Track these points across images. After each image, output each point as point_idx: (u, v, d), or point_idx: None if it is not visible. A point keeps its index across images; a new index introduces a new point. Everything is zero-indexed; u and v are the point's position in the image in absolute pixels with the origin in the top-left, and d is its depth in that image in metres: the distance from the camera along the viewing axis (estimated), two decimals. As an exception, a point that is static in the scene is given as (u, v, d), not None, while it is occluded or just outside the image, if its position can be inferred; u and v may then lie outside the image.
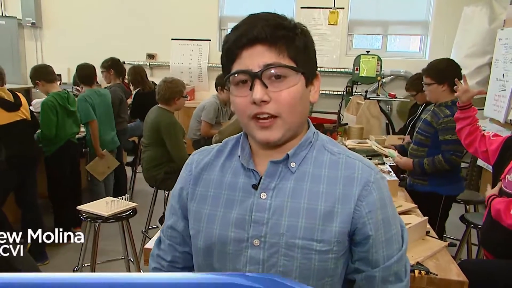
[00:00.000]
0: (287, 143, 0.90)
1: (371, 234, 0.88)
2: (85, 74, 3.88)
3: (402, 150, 3.14)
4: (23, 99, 3.15)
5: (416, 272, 1.65)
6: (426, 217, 2.09)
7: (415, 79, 4.11)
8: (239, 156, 0.93)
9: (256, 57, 0.83)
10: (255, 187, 0.90)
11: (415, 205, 2.37)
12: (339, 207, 0.87)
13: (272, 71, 0.83)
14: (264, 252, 0.87)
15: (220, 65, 0.92)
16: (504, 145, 2.33)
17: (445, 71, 2.65)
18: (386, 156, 3.13)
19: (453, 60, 2.82)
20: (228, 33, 0.89)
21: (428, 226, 2.07)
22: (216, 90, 4.25)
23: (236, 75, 0.85)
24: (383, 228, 0.89)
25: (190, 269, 1.04)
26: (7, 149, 2.96)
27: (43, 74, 3.44)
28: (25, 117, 3.11)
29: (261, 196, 0.89)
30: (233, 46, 0.85)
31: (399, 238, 0.93)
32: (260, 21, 0.84)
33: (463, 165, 5.54)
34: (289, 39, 0.85)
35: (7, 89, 3.05)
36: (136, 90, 4.85)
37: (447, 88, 2.65)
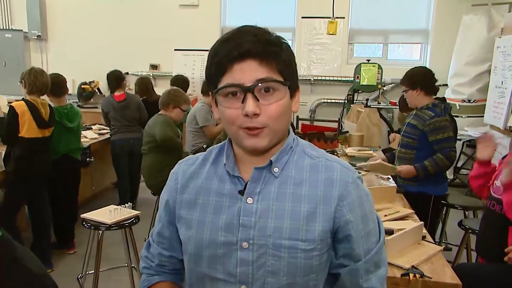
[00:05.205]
0: (270, 149, 0.95)
1: (352, 232, 0.93)
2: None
3: (392, 157, 3.19)
4: (52, 116, 3.19)
5: (411, 275, 1.69)
6: (421, 222, 2.12)
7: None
8: (225, 164, 0.97)
9: (247, 72, 0.86)
10: (241, 192, 0.94)
11: (412, 211, 2.40)
12: (321, 207, 0.92)
13: (263, 85, 0.87)
14: (253, 254, 0.91)
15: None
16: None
17: (414, 76, 2.85)
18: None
19: (425, 67, 3.02)
20: (214, 45, 0.90)
21: (424, 231, 2.10)
22: (203, 94, 4.41)
23: (228, 88, 0.88)
24: (361, 224, 0.94)
25: (178, 271, 1.09)
26: (23, 160, 3.00)
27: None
28: (49, 135, 3.17)
29: (247, 201, 0.93)
30: (223, 59, 0.87)
31: (377, 232, 0.98)
32: (249, 36, 0.87)
33: (464, 172, 5.56)
34: (277, 55, 0.88)
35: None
36: (140, 99, 4.92)
37: (421, 92, 2.82)
